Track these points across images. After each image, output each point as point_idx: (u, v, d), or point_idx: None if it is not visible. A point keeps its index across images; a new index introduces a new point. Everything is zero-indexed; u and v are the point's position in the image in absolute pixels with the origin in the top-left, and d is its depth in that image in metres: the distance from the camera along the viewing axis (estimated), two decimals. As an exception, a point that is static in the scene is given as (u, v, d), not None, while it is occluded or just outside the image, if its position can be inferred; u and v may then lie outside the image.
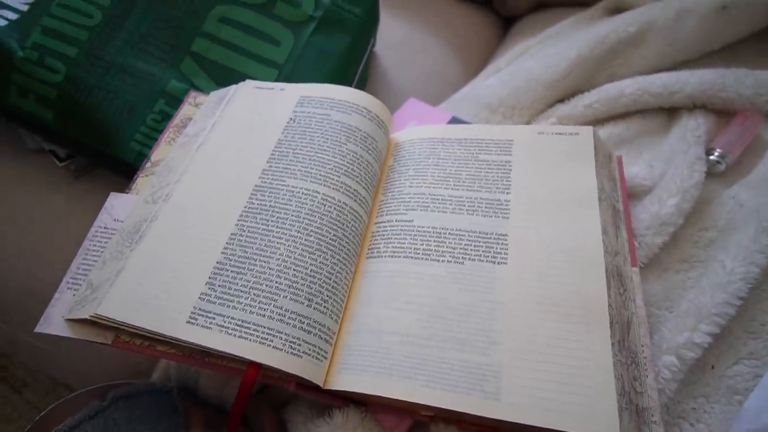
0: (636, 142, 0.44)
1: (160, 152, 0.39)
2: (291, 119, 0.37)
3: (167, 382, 0.39)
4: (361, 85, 0.53)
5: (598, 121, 0.46)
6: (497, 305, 0.29)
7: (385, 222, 0.35)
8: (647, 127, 0.45)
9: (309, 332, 0.28)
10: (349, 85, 0.47)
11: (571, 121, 0.45)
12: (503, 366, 0.27)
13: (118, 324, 0.28)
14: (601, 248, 0.29)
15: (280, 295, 0.29)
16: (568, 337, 0.27)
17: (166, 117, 0.43)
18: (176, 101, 0.43)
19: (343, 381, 0.28)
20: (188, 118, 0.41)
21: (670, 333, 0.30)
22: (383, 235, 0.34)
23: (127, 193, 0.37)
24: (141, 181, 0.37)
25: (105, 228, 0.35)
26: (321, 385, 0.28)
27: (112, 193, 0.36)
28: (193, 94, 0.43)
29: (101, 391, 0.34)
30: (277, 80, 0.45)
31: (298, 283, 0.29)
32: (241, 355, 0.27)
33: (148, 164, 0.38)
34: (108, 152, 0.42)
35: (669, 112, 0.46)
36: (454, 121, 0.45)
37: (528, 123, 0.47)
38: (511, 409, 0.25)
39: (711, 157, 0.40)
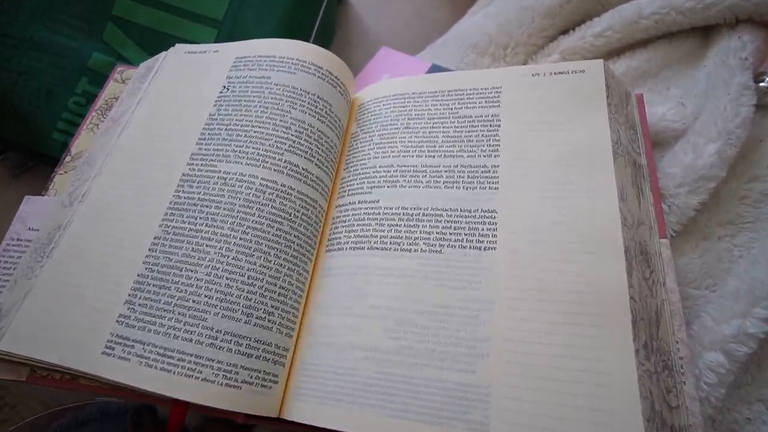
0: (662, 75, 0.36)
1: (82, 142, 0.33)
2: (225, 87, 0.30)
3: (124, 402, 0.34)
4: (327, 38, 0.45)
5: (612, 53, 0.37)
6: (484, 305, 0.22)
7: (346, 205, 0.28)
8: (675, 54, 0.36)
9: (249, 355, 0.23)
10: (307, 38, 0.40)
11: (577, 57, 0.37)
12: (492, 386, 0.21)
13: (27, 360, 0.24)
14: (618, 221, 0.22)
15: (209, 313, 0.23)
16: (575, 344, 0.20)
17: (92, 98, 0.36)
18: (102, 78, 0.36)
19: (298, 411, 0.23)
20: (114, 97, 0.35)
21: (713, 321, 0.23)
22: (344, 221, 0.28)
23: (43, 195, 0.31)
24: (59, 180, 0.32)
25: (18, 240, 0.29)
26: (274, 416, 0.23)
27: (26, 197, 0.31)
28: (119, 68, 0.36)
29: (46, 419, 0.30)
30: (216, 40, 0.38)
31: (231, 295, 0.24)
32: (161, 393, 0.21)
33: (68, 158, 0.32)
34: (28, 146, 0.36)
35: (703, 32, 0.37)
36: (434, 70, 0.37)
37: (524, 64, 0.38)
38: None
39: (762, 84, 0.31)
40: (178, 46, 0.33)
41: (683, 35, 0.37)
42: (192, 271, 0.24)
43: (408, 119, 0.30)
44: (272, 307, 0.24)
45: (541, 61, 0.37)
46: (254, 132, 0.28)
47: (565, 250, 0.22)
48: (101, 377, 0.22)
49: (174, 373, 0.22)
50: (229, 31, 0.37)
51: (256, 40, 0.32)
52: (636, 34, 0.36)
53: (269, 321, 0.24)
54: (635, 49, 0.37)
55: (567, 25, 0.38)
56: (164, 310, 0.23)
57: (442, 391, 0.21)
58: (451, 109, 0.29)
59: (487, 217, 0.25)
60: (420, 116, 0.30)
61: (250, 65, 0.31)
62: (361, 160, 0.29)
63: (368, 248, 0.26)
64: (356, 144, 0.31)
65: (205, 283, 0.24)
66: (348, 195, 0.28)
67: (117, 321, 0.24)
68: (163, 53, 0.34)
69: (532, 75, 0.28)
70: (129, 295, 0.24)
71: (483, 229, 0.25)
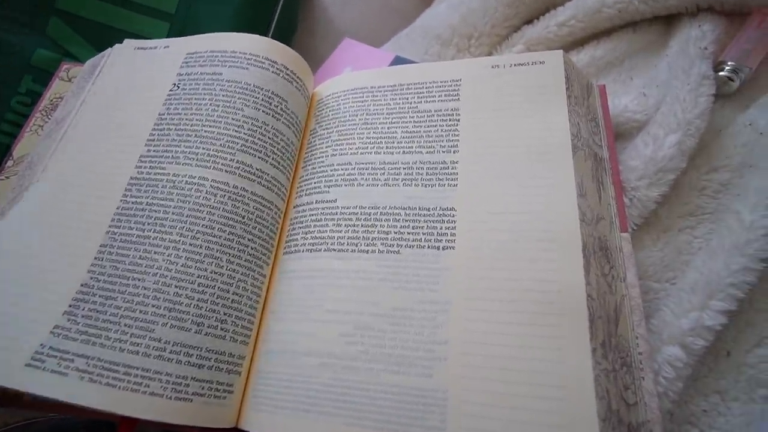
0: (626, 64, 0.36)
1: (25, 145, 0.31)
2: (175, 85, 0.29)
3: (77, 419, 0.33)
4: (288, 31, 0.43)
5: (576, 43, 0.37)
6: (442, 306, 0.22)
7: (303, 205, 0.27)
8: (639, 43, 0.36)
9: (201, 366, 0.22)
10: (265, 31, 0.38)
11: (542, 47, 0.36)
12: (449, 391, 0.20)
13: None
14: (577, 218, 0.22)
15: (157, 324, 0.22)
16: (532, 345, 0.20)
17: (37, 98, 0.34)
18: (47, 76, 0.34)
19: (256, 421, 0.22)
20: (59, 97, 0.33)
21: (672, 315, 0.23)
22: (301, 222, 0.27)
23: (-18, 202, 0.29)
24: (1, 185, 0.30)
25: (-45, 251, 0.28)
26: (230, 426, 0.22)
27: (-37, 205, 0.29)
28: (65, 65, 0.34)
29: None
30: (169, 34, 0.36)
31: (181, 303, 0.23)
32: (103, 409, 0.20)
33: (10, 162, 0.31)
34: (-31, 151, 0.34)
35: (666, 21, 0.36)
36: (398, 62, 0.36)
37: (489, 55, 0.38)
38: None
39: (721, 74, 0.31)
40: (126, 41, 0.32)
41: (646, 24, 0.37)
42: (140, 279, 0.23)
43: (367, 114, 0.29)
44: (225, 314, 0.23)
45: (505, 51, 0.37)
46: (205, 132, 0.27)
47: (523, 248, 0.22)
48: (27, 392, 0.21)
49: (119, 387, 0.21)
50: (182, 25, 0.36)
51: (208, 35, 0.30)
52: (599, 23, 0.36)
53: (222, 329, 0.23)
54: (599, 39, 0.36)
55: (531, 15, 0.38)
56: (110, 322, 0.22)
57: (399, 397, 0.20)
58: (411, 103, 0.28)
59: (446, 216, 0.24)
60: (379, 111, 0.29)
61: (201, 61, 0.29)
62: (319, 158, 0.28)
63: (325, 250, 0.25)
64: (315, 141, 0.30)
65: (153, 292, 0.23)
66: (305, 195, 0.28)
67: (51, 332, 0.22)
68: (109, 49, 0.32)
69: (492, 67, 0.28)
70: (70, 305, 0.23)
71: (441, 228, 0.24)
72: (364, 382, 0.21)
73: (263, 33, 0.38)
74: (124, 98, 0.29)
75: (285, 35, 0.42)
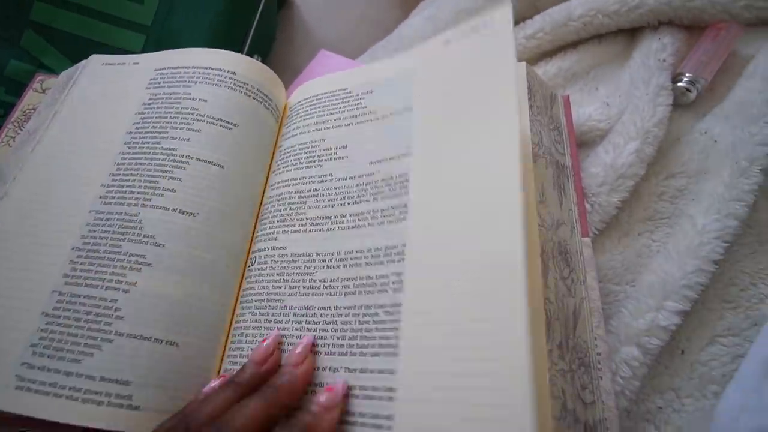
0: (591, 75, 0.37)
1: (-3, 156, 0.31)
2: (145, 105, 0.29)
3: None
4: (265, 44, 0.44)
5: (544, 55, 0.38)
6: (395, 321, 0.22)
7: (259, 251, 0.27)
8: (604, 55, 0.38)
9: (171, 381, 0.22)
10: (242, 43, 0.39)
11: (511, 58, 0.37)
12: (399, 389, 0.20)
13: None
14: (536, 225, 0.23)
15: (123, 335, 0.22)
16: (480, 345, 0.20)
17: (10, 109, 0.34)
18: (20, 87, 0.34)
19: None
20: (32, 108, 0.33)
21: (630, 316, 0.24)
22: (260, 267, 0.26)
23: (-47, 214, 0.29)
24: (-28, 197, 0.30)
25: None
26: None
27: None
28: (39, 77, 0.34)
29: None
30: (145, 48, 0.36)
31: (148, 320, 0.23)
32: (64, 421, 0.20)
33: (-19, 173, 0.31)
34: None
35: (630, 33, 0.38)
36: (371, 73, 0.37)
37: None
38: None
39: (679, 84, 0.33)
40: (93, 57, 0.32)
41: (612, 37, 0.38)
42: (107, 296, 0.23)
43: (318, 124, 0.29)
44: (193, 333, 0.24)
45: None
46: (164, 166, 0.27)
47: (467, 242, 0.22)
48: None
49: (79, 400, 0.21)
50: (158, 38, 0.36)
51: (175, 51, 0.31)
52: (566, 35, 0.37)
53: (195, 336, 0.23)
54: (566, 51, 0.38)
55: (501, 28, 0.39)
56: (73, 343, 0.22)
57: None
58: (366, 107, 0.29)
59: (396, 250, 0.23)
60: (330, 121, 0.29)
61: (168, 80, 0.30)
62: (277, 189, 0.28)
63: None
64: (275, 165, 0.30)
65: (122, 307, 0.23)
66: (261, 240, 0.27)
67: (30, 350, 0.22)
68: (84, 62, 0.32)
69: (445, 42, 0.27)
70: (46, 315, 0.23)
71: (392, 233, 0.24)
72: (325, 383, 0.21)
73: (240, 45, 0.39)
74: (93, 114, 0.29)
75: (262, 47, 0.43)
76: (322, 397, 0.20)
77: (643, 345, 0.23)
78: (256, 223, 0.28)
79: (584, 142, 0.32)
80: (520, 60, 0.37)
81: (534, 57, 0.38)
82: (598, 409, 0.21)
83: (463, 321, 0.20)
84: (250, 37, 0.39)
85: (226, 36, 0.37)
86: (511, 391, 0.18)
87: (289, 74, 0.41)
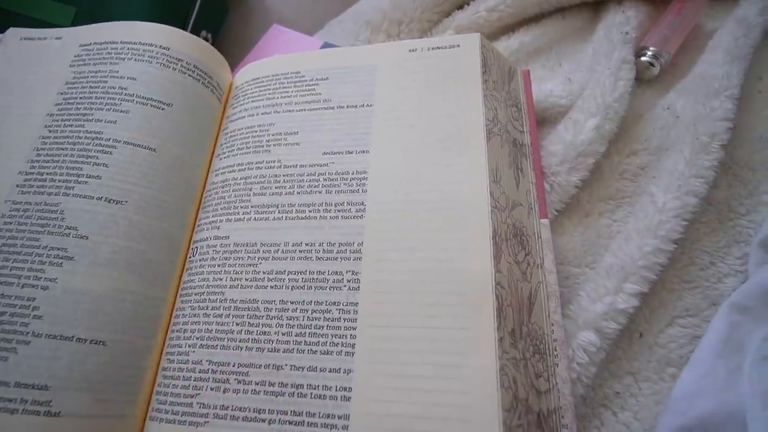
0: (554, 50, 0.35)
1: None
2: (69, 85, 0.26)
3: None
4: (216, 17, 0.41)
5: (506, 28, 0.36)
6: (350, 306, 0.21)
7: (201, 241, 0.25)
8: (568, 29, 0.36)
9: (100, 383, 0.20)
10: (185, 17, 0.36)
11: (472, 32, 0.36)
12: (355, 382, 0.19)
13: None
14: (486, 205, 0.21)
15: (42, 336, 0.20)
16: (437, 338, 0.19)
17: None
18: (-67, 65, 0.31)
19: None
20: (-55, 87, 0.30)
21: (588, 300, 0.23)
22: (201, 258, 0.24)
23: None
24: None
25: None
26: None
27: None
28: (-47, 52, 0.31)
29: None
30: (74, 21, 0.33)
31: (75, 320, 0.21)
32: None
33: None
34: None
35: (594, 7, 0.37)
36: (326, 48, 0.35)
37: (421, 41, 0.37)
38: None
39: (642, 59, 0.32)
40: (11, 31, 0.29)
41: (575, 10, 0.37)
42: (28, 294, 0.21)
43: (267, 108, 0.27)
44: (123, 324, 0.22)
45: (436, 37, 0.36)
46: (89, 154, 0.24)
47: (427, 238, 0.21)
48: None
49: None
50: (89, 10, 0.33)
51: (103, 24, 0.28)
52: (528, 8, 0.35)
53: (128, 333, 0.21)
54: (529, 25, 0.36)
55: (462, 0, 0.37)
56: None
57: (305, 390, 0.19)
58: (320, 94, 0.27)
59: (355, 208, 0.23)
60: (282, 105, 0.27)
61: (94, 57, 0.27)
62: (221, 175, 0.26)
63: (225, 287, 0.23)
64: (219, 150, 0.28)
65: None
66: (202, 229, 0.25)
67: None
68: (0, 35, 0.29)
69: (410, 51, 0.27)
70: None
71: (349, 217, 0.23)
72: (269, 381, 0.20)
73: (184, 18, 0.36)
74: (9, 95, 0.26)
75: (213, 20, 0.40)
76: None
77: (601, 329, 0.22)
78: (197, 211, 0.26)
79: (545, 120, 0.31)
80: (483, 34, 0.36)
81: (496, 31, 0.36)
82: (553, 397, 0.20)
83: (425, 326, 0.20)
84: (196, 9, 0.36)
85: (167, 7, 0.34)
86: (474, 393, 0.18)
87: (245, 50, 0.38)
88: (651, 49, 0.32)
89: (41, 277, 0.22)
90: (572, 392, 0.21)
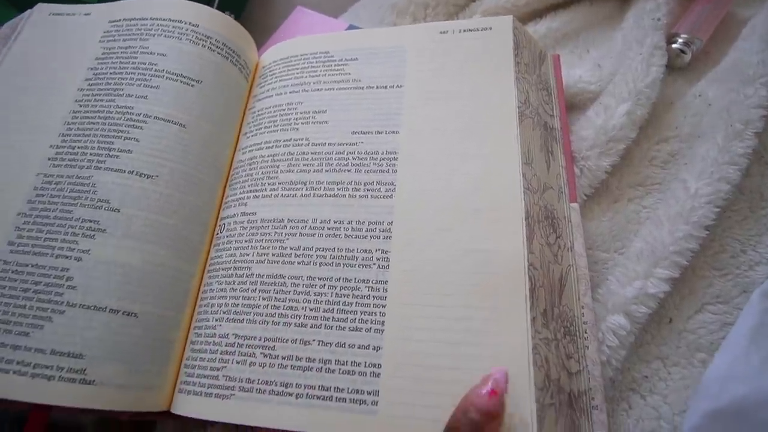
0: (582, 36, 0.35)
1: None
2: (99, 60, 0.27)
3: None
4: (237, 1, 0.41)
5: (534, 14, 0.36)
6: (379, 285, 0.21)
7: (228, 218, 0.25)
8: (596, 15, 0.36)
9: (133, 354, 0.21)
10: (208, 1, 0.36)
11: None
12: (385, 359, 0.19)
13: None
14: (519, 186, 0.21)
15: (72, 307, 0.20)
16: (469, 316, 0.19)
17: (-48, 64, 0.31)
18: (-37, 40, 0.31)
19: (183, 405, 0.21)
20: (-25, 62, 0.30)
21: (618, 284, 0.23)
22: (228, 234, 0.24)
23: None
24: None
25: None
26: (161, 410, 0.21)
27: None
28: (-17, 27, 0.31)
29: None
30: None
31: (100, 290, 0.21)
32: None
33: None
34: None
35: (623, -7, 0.36)
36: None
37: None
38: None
39: (674, 46, 0.31)
40: (39, 6, 0.29)
41: (604, -4, 0.36)
42: (55, 261, 0.21)
43: (296, 88, 0.27)
44: (153, 296, 0.22)
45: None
46: (120, 131, 0.24)
47: (463, 220, 0.21)
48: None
49: (28, 375, 0.19)
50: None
51: (133, 2, 0.28)
52: (557, -6, 0.35)
53: (155, 305, 0.22)
54: (557, 11, 0.36)
55: (489, -16, 0.36)
56: (21, 315, 0.20)
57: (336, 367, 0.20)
58: (350, 74, 0.27)
59: (388, 189, 0.23)
60: (311, 85, 0.27)
61: (124, 33, 0.27)
62: (249, 154, 0.26)
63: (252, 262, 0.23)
64: (247, 129, 0.28)
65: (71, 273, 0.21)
66: (230, 206, 0.25)
67: None
68: (28, 11, 0.29)
69: (440, 33, 0.27)
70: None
71: (381, 205, 0.23)
72: (296, 356, 0.20)
73: (207, 2, 0.36)
74: (40, 70, 0.27)
75: (235, 5, 0.40)
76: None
77: (630, 313, 0.22)
78: (225, 189, 0.26)
79: (574, 105, 0.31)
80: (508, 19, 0.36)
81: (523, 16, 0.36)
82: (584, 378, 0.20)
83: (456, 305, 0.20)
84: (220, -9, 0.36)
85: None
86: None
87: (265, 34, 0.38)
88: (682, 36, 0.31)
89: (74, 249, 0.22)
90: (602, 374, 0.21)
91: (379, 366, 0.19)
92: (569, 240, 0.23)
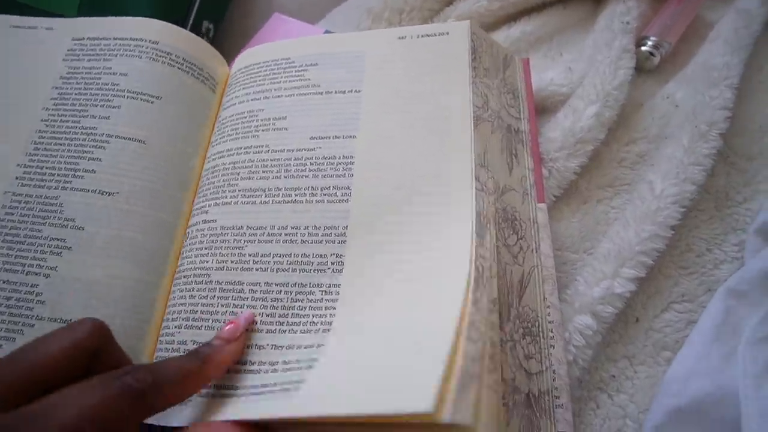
0: (555, 40, 0.35)
1: None
2: (64, 80, 0.27)
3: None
4: (219, 7, 0.41)
5: (508, 18, 0.36)
6: (332, 287, 0.21)
7: (192, 226, 0.25)
8: (569, 20, 0.36)
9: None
10: (187, 7, 0.36)
11: (473, 20, 0.36)
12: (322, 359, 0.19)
13: None
14: (470, 188, 0.21)
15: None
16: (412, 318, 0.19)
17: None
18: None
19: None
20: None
21: (585, 285, 0.24)
22: (191, 242, 0.24)
23: None
24: None
25: None
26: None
27: None
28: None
29: None
30: (80, 11, 0.33)
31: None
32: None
33: None
34: None
35: (596, -3, 0.37)
36: (325, 37, 0.35)
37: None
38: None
39: (643, 48, 0.32)
40: (1, 18, 0.29)
41: (577, 1, 0.37)
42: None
43: (257, 95, 0.27)
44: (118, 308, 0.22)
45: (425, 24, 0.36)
46: (84, 149, 0.25)
47: (414, 221, 0.22)
48: None
49: None
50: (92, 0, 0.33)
51: (97, 18, 0.28)
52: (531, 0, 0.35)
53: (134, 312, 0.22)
54: (531, 15, 0.36)
55: (463, -11, 0.37)
56: None
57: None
58: (309, 80, 0.27)
59: (336, 236, 0.22)
60: (272, 91, 0.27)
61: (88, 52, 0.27)
62: (214, 161, 0.26)
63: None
64: (214, 137, 0.28)
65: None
66: (196, 213, 0.25)
67: None
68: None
69: (399, 38, 0.27)
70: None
71: (335, 212, 0.23)
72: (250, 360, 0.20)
73: (186, 9, 0.36)
74: (2, 87, 0.26)
75: (215, 11, 0.40)
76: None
77: (597, 313, 0.23)
78: (193, 199, 0.26)
79: (545, 108, 0.31)
80: (483, 23, 0.36)
81: (497, 20, 0.36)
82: (546, 378, 0.20)
83: (403, 308, 0.19)
84: (197, 2, 0.36)
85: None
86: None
87: (246, 41, 0.38)
88: (651, 38, 0.32)
89: (43, 266, 0.22)
90: (568, 374, 0.21)
91: (316, 360, 0.19)
92: (534, 241, 0.23)
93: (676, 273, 0.25)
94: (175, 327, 0.22)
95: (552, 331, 0.22)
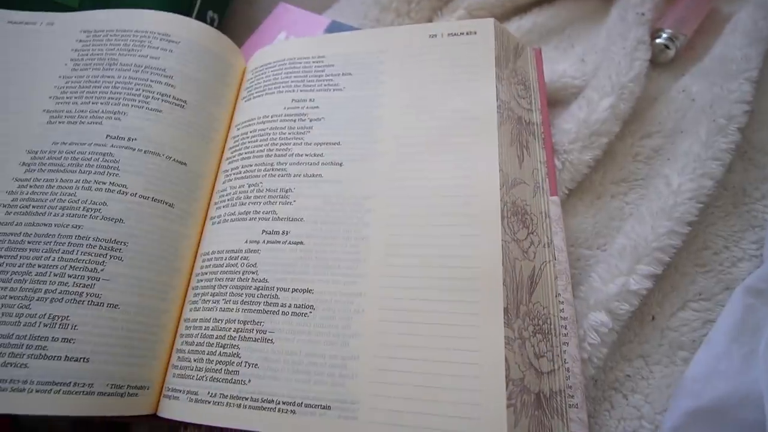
0: (567, 31, 0.35)
1: None
2: (73, 69, 0.26)
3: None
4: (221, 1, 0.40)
5: (519, 9, 0.36)
6: (355, 298, 0.20)
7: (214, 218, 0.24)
8: (580, 11, 0.35)
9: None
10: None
11: (484, 12, 0.35)
12: (363, 369, 0.19)
13: None
14: (497, 193, 0.21)
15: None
16: (448, 321, 0.19)
17: None
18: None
19: (170, 409, 0.20)
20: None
21: (600, 281, 0.23)
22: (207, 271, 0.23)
23: None
24: None
25: None
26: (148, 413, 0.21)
27: None
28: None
29: None
30: (82, 5, 0.32)
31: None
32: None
33: None
34: None
35: (608, -11, 0.36)
36: (333, 27, 0.34)
37: (429, 20, 0.36)
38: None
39: (658, 41, 0.31)
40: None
41: (590, -9, 0.36)
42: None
43: (278, 93, 0.27)
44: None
45: (446, 16, 0.35)
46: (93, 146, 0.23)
47: (438, 221, 0.21)
48: None
49: None
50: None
51: (105, 11, 0.27)
52: (542, -11, 0.35)
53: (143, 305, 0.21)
54: (542, 6, 0.35)
55: (473, -21, 0.36)
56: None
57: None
58: (331, 79, 0.26)
59: (364, 205, 0.22)
60: (294, 89, 0.26)
61: (99, 44, 0.26)
62: (234, 164, 0.26)
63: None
64: (233, 144, 0.27)
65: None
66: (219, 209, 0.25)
67: None
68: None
69: (430, 36, 0.26)
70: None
71: (357, 220, 0.22)
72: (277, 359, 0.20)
73: (190, 0, 0.35)
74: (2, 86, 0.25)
75: (219, 2, 0.39)
76: None
77: (612, 310, 0.22)
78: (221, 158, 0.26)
79: (558, 100, 0.30)
80: (493, 14, 0.35)
81: (508, 11, 0.35)
82: (559, 377, 0.20)
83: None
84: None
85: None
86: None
87: (250, 32, 0.37)
88: (666, 31, 0.31)
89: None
90: (582, 372, 0.20)
91: (358, 370, 0.19)
92: (546, 236, 0.23)
93: (692, 271, 0.24)
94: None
95: (566, 328, 0.21)
